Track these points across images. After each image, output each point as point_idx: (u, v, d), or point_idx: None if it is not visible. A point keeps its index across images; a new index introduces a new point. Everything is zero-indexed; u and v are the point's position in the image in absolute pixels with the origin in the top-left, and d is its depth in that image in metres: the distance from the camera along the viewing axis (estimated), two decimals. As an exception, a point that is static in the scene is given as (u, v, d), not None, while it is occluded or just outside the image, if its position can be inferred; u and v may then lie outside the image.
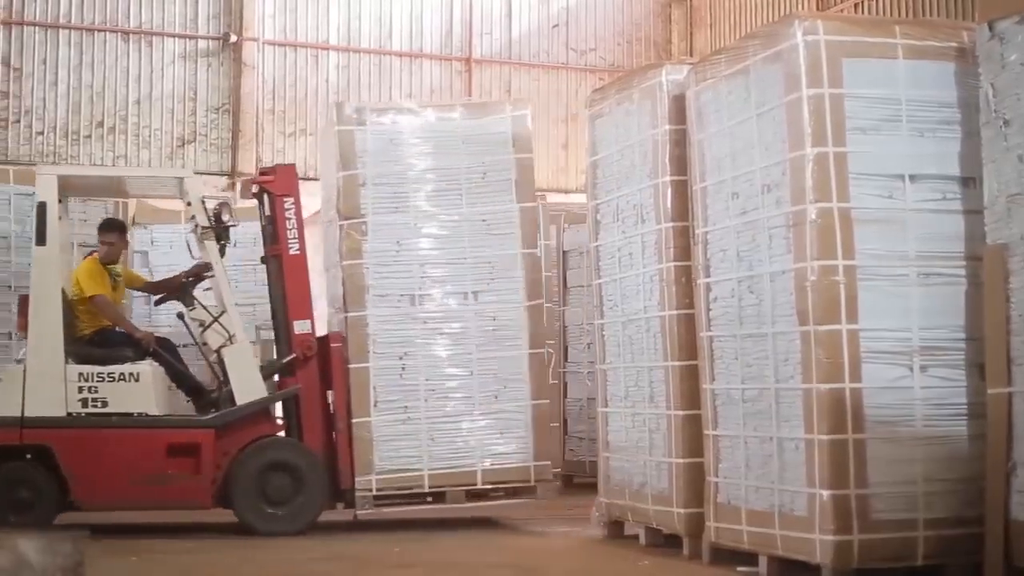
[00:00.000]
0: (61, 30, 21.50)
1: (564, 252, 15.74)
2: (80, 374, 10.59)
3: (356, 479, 10.90)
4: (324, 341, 11.16)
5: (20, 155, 20.96)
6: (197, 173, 13.52)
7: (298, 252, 11.02)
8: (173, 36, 22.17)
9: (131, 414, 10.66)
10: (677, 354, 9.36)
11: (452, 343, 11.22)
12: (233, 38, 22.27)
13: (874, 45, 8.06)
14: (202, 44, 22.37)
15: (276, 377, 11.21)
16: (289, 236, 11.02)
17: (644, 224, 9.73)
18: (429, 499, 11.17)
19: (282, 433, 11.05)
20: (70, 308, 10.96)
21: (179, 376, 11.27)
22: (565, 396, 15.42)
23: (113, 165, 20.91)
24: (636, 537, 10.00)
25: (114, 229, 11.58)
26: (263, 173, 11.46)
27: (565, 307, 15.65)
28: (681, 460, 9.29)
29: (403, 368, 11.12)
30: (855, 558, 7.64)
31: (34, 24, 21.36)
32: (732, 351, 8.68)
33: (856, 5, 20.40)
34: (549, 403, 11.79)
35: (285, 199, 11.06)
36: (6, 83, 21.17)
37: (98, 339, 11.07)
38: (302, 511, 10.80)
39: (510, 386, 11.26)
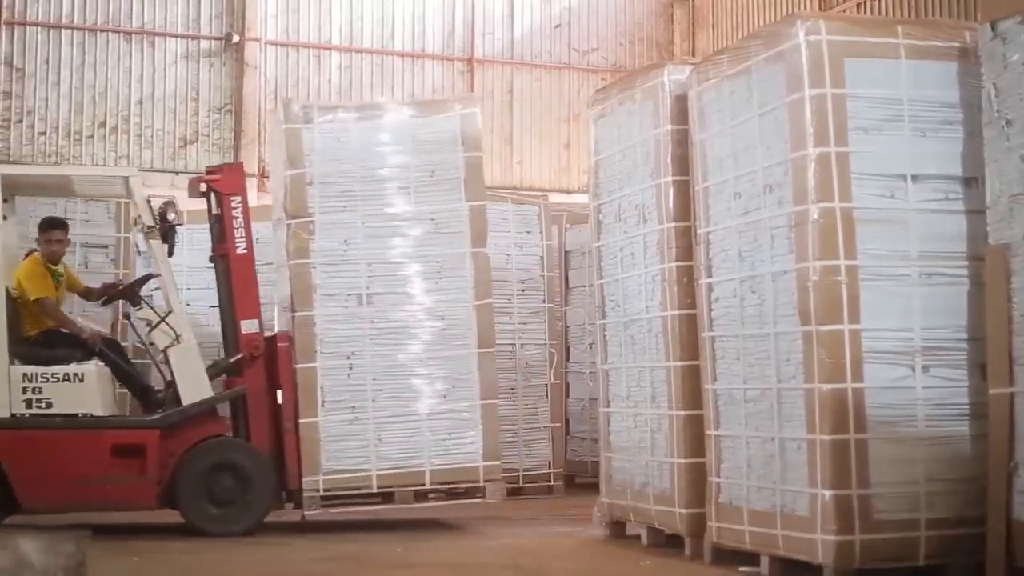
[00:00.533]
0: (64, 30, 21.50)
1: (566, 252, 15.74)
2: (24, 375, 10.47)
3: (303, 479, 10.83)
4: (272, 341, 11.11)
5: (23, 155, 20.97)
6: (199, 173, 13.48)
7: (245, 251, 10.92)
8: (175, 36, 22.17)
9: (76, 415, 10.56)
10: (679, 354, 9.35)
11: (400, 343, 11.15)
12: (235, 38, 22.26)
13: (876, 45, 8.06)
14: (204, 44, 22.37)
15: (225, 377, 11.16)
16: (236, 235, 10.92)
17: (646, 224, 9.72)
18: (378, 499, 11.12)
19: (231, 433, 10.98)
20: (14, 309, 10.84)
21: (126, 376, 11.20)
22: (567, 396, 15.43)
23: (115, 165, 20.89)
24: (638, 537, 10.00)
25: (57, 227, 11.38)
26: (210, 172, 11.32)
27: (567, 307, 15.66)
28: (683, 460, 9.29)
29: (351, 368, 11.05)
30: (857, 558, 7.64)
31: (36, 24, 21.36)
32: (734, 351, 8.68)
33: (858, 5, 20.39)
34: (498, 403, 11.65)
35: (232, 198, 10.97)
36: (8, 83, 21.17)
37: (43, 340, 10.94)
38: (248, 511, 10.75)
39: (459, 386, 11.18)
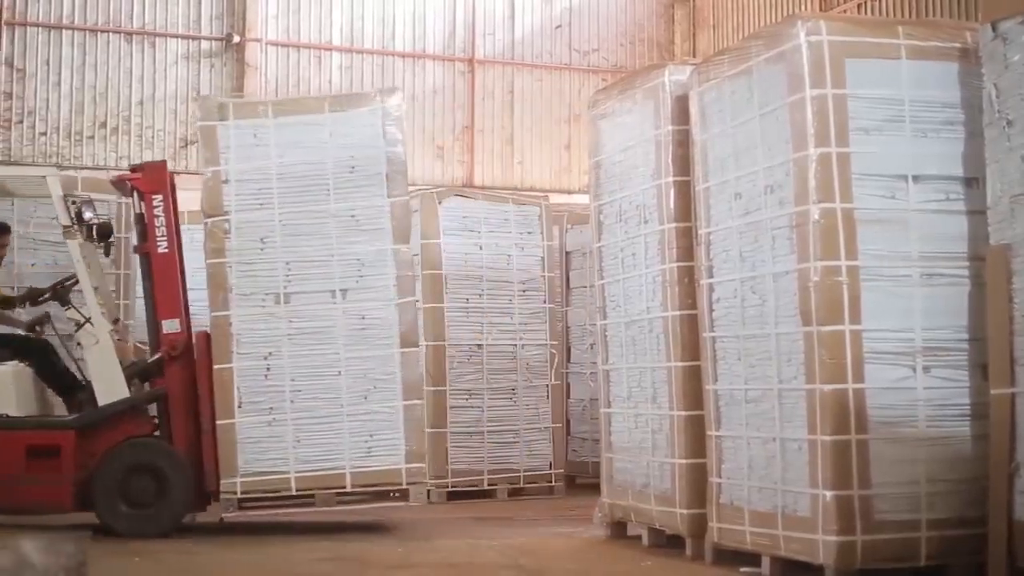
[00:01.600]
0: (64, 31, 21.50)
1: (567, 253, 15.75)
2: None
3: (221, 481, 10.65)
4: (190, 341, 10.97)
5: (23, 156, 20.97)
6: (200, 174, 13.46)
7: (167, 250, 10.79)
8: (176, 37, 22.18)
9: None
10: (680, 355, 9.35)
11: (319, 343, 10.87)
12: (236, 39, 22.27)
13: (877, 45, 8.06)
14: (205, 45, 22.37)
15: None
16: (158, 234, 10.77)
17: (647, 225, 9.72)
18: (298, 502, 10.92)
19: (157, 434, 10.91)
20: None
21: (52, 377, 11.11)
22: (568, 397, 15.44)
23: (116, 166, 20.89)
24: (639, 538, 10.00)
25: (5, 232, 11.50)
26: (133, 170, 11.23)
27: (568, 308, 15.66)
28: (684, 461, 9.29)
29: (268, 369, 10.80)
30: (858, 559, 7.64)
31: (37, 25, 21.37)
32: (735, 352, 8.68)
33: (859, 5, 20.39)
34: (422, 404, 11.28)
35: (154, 196, 10.82)
36: (9, 84, 21.17)
37: None
38: (164, 513, 10.62)
39: (380, 386, 10.85)
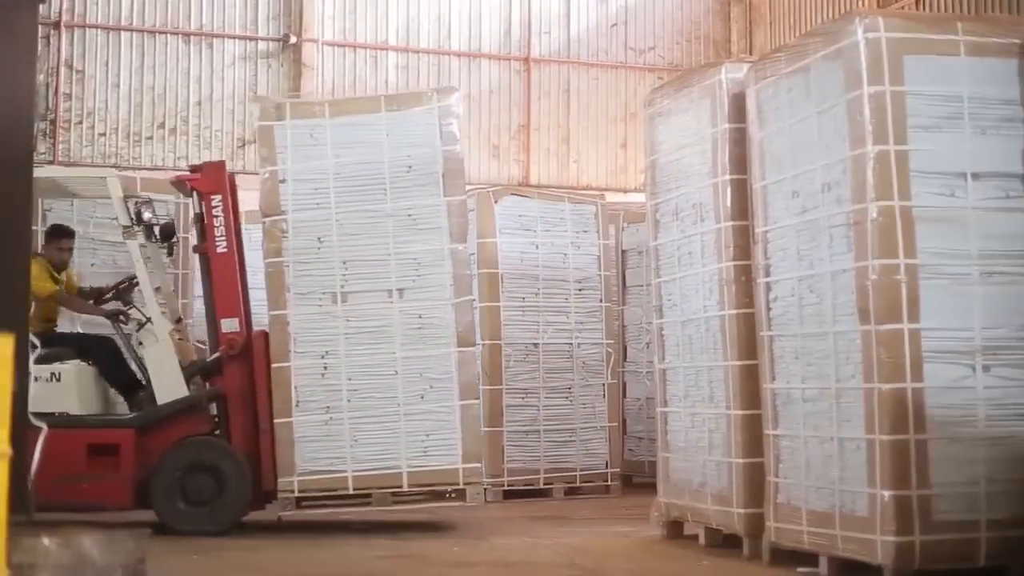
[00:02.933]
0: (123, 32, 21.64)
1: (623, 251, 15.74)
2: None
3: (279, 480, 10.73)
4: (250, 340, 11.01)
5: (83, 156, 21.11)
6: (257, 174, 13.51)
7: (226, 250, 10.87)
8: (233, 38, 22.27)
9: (52, 414, 10.38)
10: (736, 354, 9.33)
11: (375, 342, 10.90)
12: (293, 39, 22.33)
13: (935, 42, 8.01)
14: (262, 46, 22.45)
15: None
16: (217, 234, 10.86)
17: (703, 223, 9.70)
18: (355, 501, 10.92)
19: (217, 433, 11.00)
20: None
21: (114, 376, 11.22)
22: (624, 396, 15.42)
23: (174, 166, 21.01)
24: (695, 537, 9.97)
25: (65, 235, 11.61)
26: (193, 170, 11.37)
27: (624, 306, 15.65)
28: (741, 460, 9.26)
29: (325, 368, 10.85)
30: (917, 559, 7.60)
31: (96, 27, 21.51)
32: (792, 350, 8.65)
33: (917, 2, 20.25)
34: (479, 403, 11.32)
35: (213, 197, 10.91)
36: (68, 85, 21.32)
37: (42, 341, 10.91)
38: (222, 511, 10.72)
39: (436, 386, 10.85)
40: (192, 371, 11.06)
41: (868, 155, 7.85)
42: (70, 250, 11.67)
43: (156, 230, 11.23)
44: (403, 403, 10.81)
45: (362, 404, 10.81)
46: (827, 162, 8.24)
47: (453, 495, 10.93)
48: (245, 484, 10.75)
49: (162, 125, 21.73)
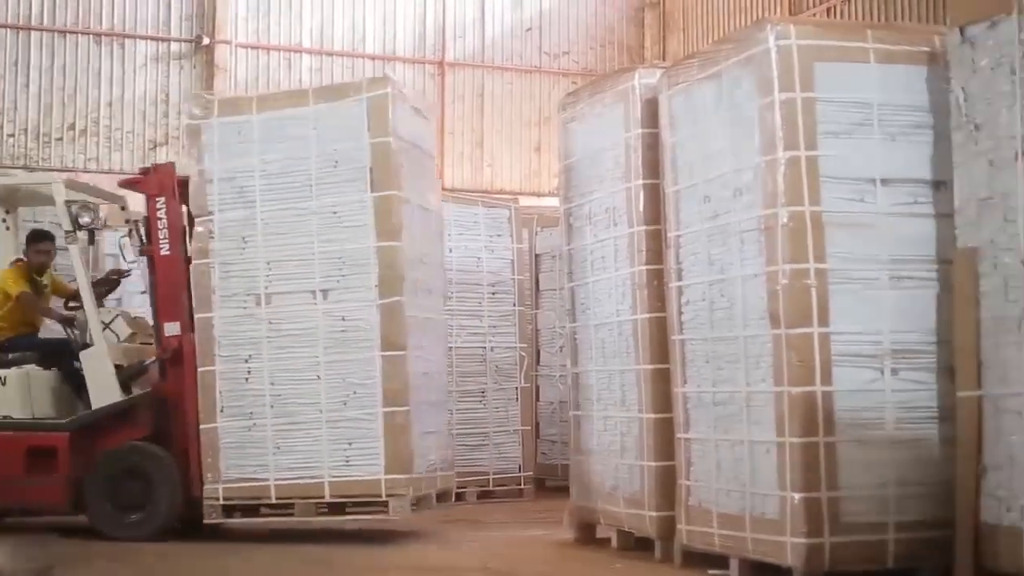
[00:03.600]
0: (32, 32, 21.41)
1: (537, 255, 15.76)
2: None
3: (204, 487, 10.43)
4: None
5: (-10, 157, 20.88)
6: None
7: (169, 252, 10.72)
8: (145, 38, 22.10)
9: None
10: (648, 357, 9.36)
11: (298, 345, 10.42)
12: (206, 41, 22.20)
13: (846, 49, 8.08)
14: (174, 47, 22.30)
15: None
16: (160, 237, 10.72)
17: (616, 227, 9.73)
18: (280, 511, 10.59)
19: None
20: None
21: (72, 380, 11.13)
22: (537, 399, 15.43)
23: (84, 168, 20.81)
24: (608, 540, 10.00)
25: (44, 239, 11.53)
26: (142, 172, 11.21)
27: (538, 310, 15.66)
28: (653, 463, 9.30)
29: (248, 372, 10.45)
30: (826, 561, 7.65)
31: (5, 26, 21.27)
32: (703, 354, 8.70)
33: (828, 10, 20.45)
34: (407, 411, 10.24)
35: (157, 199, 10.74)
36: (-23, 85, 21.08)
37: (8, 345, 11.15)
38: (151, 517, 10.57)
39: (360, 392, 10.24)
40: (129, 374, 10.96)
41: (779, 161, 7.91)
42: (48, 252, 11.52)
43: (95, 234, 11.22)
44: (325, 410, 10.30)
45: (284, 410, 10.39)
46: (738, 167, 8.30)
47: (378, 507, 10.36)
48: (174, 490, 10.56)
49: (72, 126, 21.54)
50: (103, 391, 10.77)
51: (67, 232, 10.86)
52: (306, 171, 10.51)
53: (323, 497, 10.32)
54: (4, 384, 10.86)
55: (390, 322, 10.30)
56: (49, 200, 11.20)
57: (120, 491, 10.59)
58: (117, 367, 10.89)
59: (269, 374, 10.45)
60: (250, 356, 10.48)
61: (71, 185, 11.59)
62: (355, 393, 10.29)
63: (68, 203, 10.94)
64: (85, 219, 10.91)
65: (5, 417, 10.78)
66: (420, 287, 10.79)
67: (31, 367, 11.03)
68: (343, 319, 10.36)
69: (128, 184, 11.32)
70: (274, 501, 10.41)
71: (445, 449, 11.33)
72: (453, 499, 11.55)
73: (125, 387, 10.89)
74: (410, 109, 11.05)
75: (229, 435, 10.42)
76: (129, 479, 10.59)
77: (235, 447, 10.41)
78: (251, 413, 10.43)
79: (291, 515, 10.43)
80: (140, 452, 10.70)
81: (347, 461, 10.27)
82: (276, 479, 10.33)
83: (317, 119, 10.56)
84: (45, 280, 11.54)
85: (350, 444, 10.26)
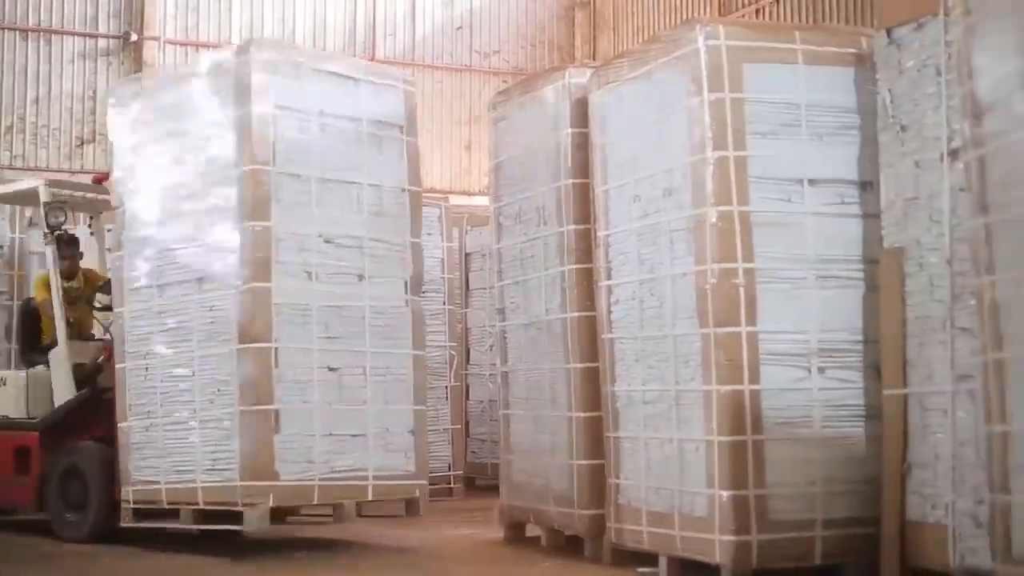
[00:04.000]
0: (-43, 27, 21.18)
1: (467, 254, 15.76)
2: None
3: (121, 489, 10.05)
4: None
5: (-85, 154, 20.64)
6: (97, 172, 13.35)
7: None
8: (73, 34, 21.91)
9: None
10: (578, 356, 9.38)
11: (177, 339, 9.86)
12: (134, 37, 22.04)
13: (774, 50, 8.13)
14: (102, 43, 22.12)
15: None
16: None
17: (546, 226, 9.75)
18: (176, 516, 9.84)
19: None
20: (35, 319, 11.60)
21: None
22: (467, 398, 15.43)
23: (10, 165, 20.60)
24: (538, 539, 10.01)
25: (68, 244, 11.43)
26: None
27: (467, 309, 15.67)
28: (582, 462, 9.32)
29: (146, 369, 10.02)
30: (754, 558, 7.70)
31: (-70, 21, 21.03)
32: (633, 353, 8.72)
33: (757, 11, 20.57)
34: (272, 410, 9.33)
35: None
36: (-99, 81, 20.84)
37: (45, 347, 11.28)
38: (87, 518, 10.39)
39: (223, 389, 9.53)
40: (86, 372, 10.89)
41: (708, 161, 7.94)
42: (71, 257, 11.41)
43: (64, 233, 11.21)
44: (198, 409, 9.64)
45: (171, 409, 9.84)
46: (668, 167, 8.33)
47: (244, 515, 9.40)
48: (105, 491, 10.26)
49: (-2, 123, 21.30)
50: (62, 389, 10.79)
51: (45, 233, 10.96)
52: (186, 153, 9.98)
53: (198, 503, 9.63)
54: (4, 384, 11.16)
55: (251, 311, 9.44)
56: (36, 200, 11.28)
57: (65, 491, 10.51)
58: (79, 365, 10.86)
59: (160, 371, 9.98)
60: (148, 352, 10.06)
61: (58, 185, 11.65)
62: (219, 390, 9.58)
63: (46, 204, 10.95)
64: (53, 220, 10.93)
65: (3, 417, 11.03)
66: (326, 272, 9.80)
67: (39, 369, 11.15)
68: (211, 309, 9.70)
69: (98, 180, 11.60)
70: (165, 506, 9.83)
71: (383, 453, 9.98)
72: (417, 509, 10.34)
73: (85, 384, 10.81)
74: (326, 75, 10.11)
75: (134, 435, 10.05)
76: (72, 479, 10.49)
77: (137, 447, 10.02)
78: (148, 412, 10.01)
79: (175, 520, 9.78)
80: (80, 452, 10.60)
81: (214, 464, 9.59)
82: (166, 482, 9.83)
83: (202, 94, 9.93)
84: (76, 283, 11.48)
85: (216, 446, 9.58)
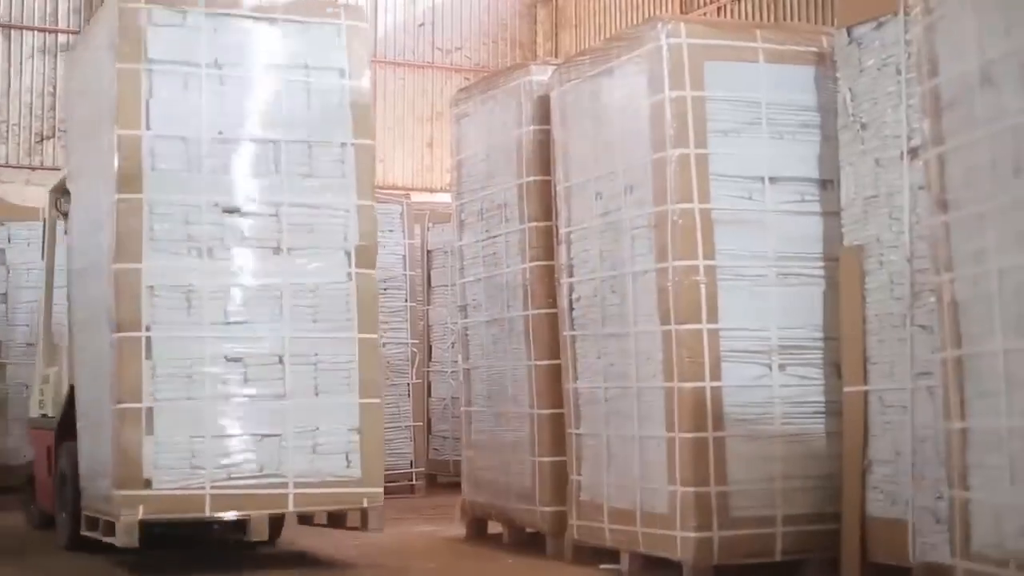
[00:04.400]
0: (-85, 22, 21.03)
1: (429, 251, 15.74)
2: None
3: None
4: None
5: None
6: (55, 169, 13.28)
7: None
8: (32, 30, 21.76)
9: (40, 416, 10.90)
10: (540, 353, 9.40)
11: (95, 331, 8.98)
12: (94, 32, 21.91)
13: (735, 49, 8.16)
14: (62, 38, 21.98)
15: None
16: None
17: (508, 224, 9.75)
18: None
19: None
20: None
21: None
22: (429, 395, 15.41)
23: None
24: (499, 536, 10.02)
25: None
26: None
27: (429, 306, 15.64)
28: (544, 459, 9.33)
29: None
30: (715, 554, 7.73)
31: None
32: (595, 350, 8.74)
33: (719, 9, 20.61)
34: (140, 408, 8.23)
35: None
36: None
37: None
38: (65, 523, 9.72)
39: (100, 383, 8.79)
40: None
41: (669, 158, 7.96)
42: None
43: None
44: (105, 408, 8.63)
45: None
46: (629, 165, 8.35)
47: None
48: (75, 496, 9.36)
49: (-43, 118, 21.15)
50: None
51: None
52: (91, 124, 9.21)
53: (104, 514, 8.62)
54: (48, 382, 10.63)
55: (120, 294, 8.38)
56: None
57: (60, 493, 9.98)
58: None
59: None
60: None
61: None
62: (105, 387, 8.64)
63: (51, 192, 10.62)
64: (64, 207, 10.31)
65: (42, 415, 10.74)
66: (222, 246, 8.55)
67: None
68: (97, 297, 8.84)
69: None
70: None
71: (308, 455, 8.59)
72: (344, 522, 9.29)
73: None
74: (227, 19, 8.79)
75: (82, 433, 9.37)
76: (61, 481, 9.92)
77: (87, 447, 9.26)
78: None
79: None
80: (67, 453, 9.71)
81: (102, 469, 8.71)
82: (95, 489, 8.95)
83: (96, 48, 9.14)
84: None
85: (102, 448, 8.69)
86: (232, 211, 8.56)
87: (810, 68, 8.22)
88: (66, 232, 10.37)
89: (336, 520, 9.33)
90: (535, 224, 9.47)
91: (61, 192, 10.40)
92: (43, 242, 11.27)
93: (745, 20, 19.04)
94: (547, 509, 9.30)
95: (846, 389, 7.69)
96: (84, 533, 9.00)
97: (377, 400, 8.88)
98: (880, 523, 7.40)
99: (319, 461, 8.58)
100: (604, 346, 8.64)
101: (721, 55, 8.11)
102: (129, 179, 8.37)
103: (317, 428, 8.62)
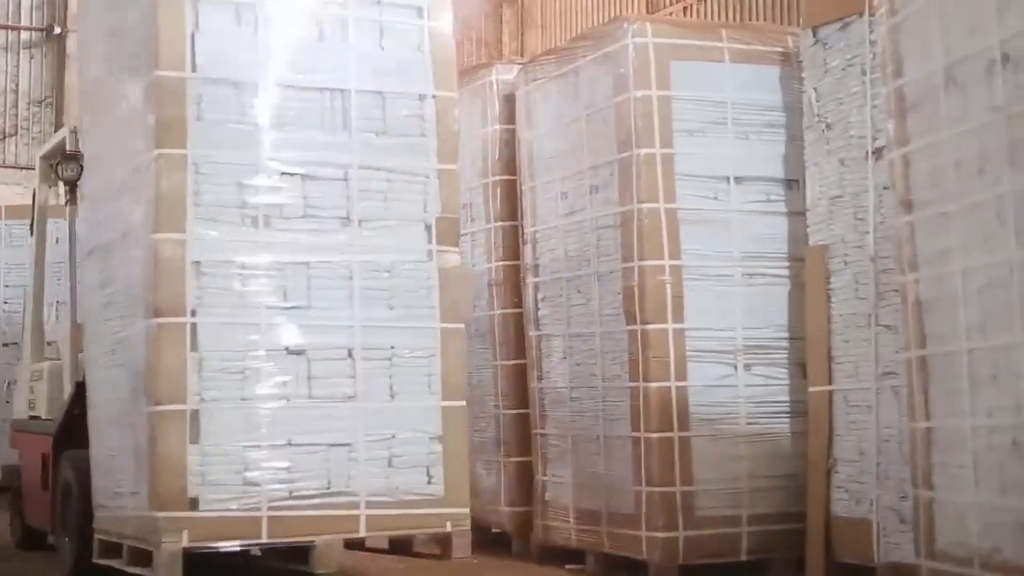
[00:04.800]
0: None
1: (394, 251, 15.69)
2: None
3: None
4: None
5: None
6: (18, 168, 13.19)
7: None
8: (-6, 27, 21.65)
9: (29, 418, 9.75)
10: (505, 353, 9.39)
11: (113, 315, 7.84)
12: (57, 30, 21.78)
13: (701, 48, 8.17)
14: (25, 35, 21.85)
15: None
16: None
17: (473, 223, 9.73)
18: None
19: None
20: None
21: None
22: (394, 395, 15.35)
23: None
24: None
25: None
26: None
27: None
28: (509, 459, 9.32)
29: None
30: (681, 554, 7.74)
31: None
32: (560, 350, 8.73)
33: (684, 9, 20.62)
34: (191, 409, 6.80)
35: None
36: None
37: None
38: (64, 544, 8.54)
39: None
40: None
41: (634, 158, 7.96)
42: None
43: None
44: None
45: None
46: (595, 164, 8.34)
47: None
48: (85, 515, 7.95)
49: (-83, 116, 21.02)
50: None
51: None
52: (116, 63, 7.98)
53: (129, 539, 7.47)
54: (41, 378, 9.40)
55: (160, 271, 6.96)
56: None
57: (61, 511, 8.56)
58: None
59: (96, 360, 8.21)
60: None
61: None
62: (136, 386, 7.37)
63: (43, 159, 9.62)
64: (68, 174, 8.94)
65: (33, 416, 9.52)
66: (282, 215, 7.12)
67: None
68: (130, 275, 7.50)
69: None
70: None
71: (384, 469, 7.25)
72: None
73: None
74: None
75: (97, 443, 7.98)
76: (62, 496, 8.53)
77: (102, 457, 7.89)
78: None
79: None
80: (73, 462, 8.38)
81: (135, 487, 7.29)
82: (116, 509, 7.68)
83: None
84: None
85: (138, 459, 7.25)
86: (290, 173, 7.13)
87: (776, 68, 8.24)
88: (69, 203, 9.21)
89: (399, 545, 7.94)
90: (501, 224, 9.46)
91: (61, 156, 9.08)
92: (32, 222, 10.18)
93: (711, 20, 19.05)
94: (512, 510, 9.29)
95: (811, 389, 7.70)
96: (98, 561, 7.61)
97: (462, 403, 7.49)
98: (845, 522, 7.41)
99: (395, 476, 7.21)
100: (570, 346, 8.63)
101: (687, 55, 8.11)
102: (170, 131, 6.93)
103: (393, 436, 7.23)
